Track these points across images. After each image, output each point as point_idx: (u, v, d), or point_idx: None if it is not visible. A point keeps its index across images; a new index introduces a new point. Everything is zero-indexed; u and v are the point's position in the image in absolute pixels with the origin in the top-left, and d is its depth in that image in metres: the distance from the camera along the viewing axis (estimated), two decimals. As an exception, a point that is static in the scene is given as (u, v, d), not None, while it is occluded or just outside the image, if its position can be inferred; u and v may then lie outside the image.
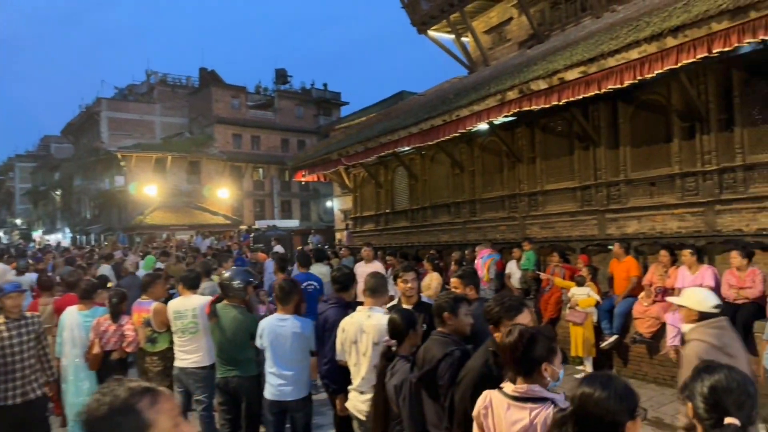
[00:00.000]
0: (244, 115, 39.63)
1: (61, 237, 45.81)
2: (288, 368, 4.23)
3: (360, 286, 7.15)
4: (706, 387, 1.67)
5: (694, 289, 3.36)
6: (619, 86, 7.04)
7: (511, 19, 13.93)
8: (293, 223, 37.14)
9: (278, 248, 16.03)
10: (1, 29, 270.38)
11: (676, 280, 6.98)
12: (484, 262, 8.90)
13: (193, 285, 5.24)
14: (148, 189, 33.63)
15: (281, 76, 44.16)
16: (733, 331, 3.05)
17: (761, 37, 5.50)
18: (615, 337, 7.43)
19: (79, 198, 43.63)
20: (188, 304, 5.09)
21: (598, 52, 7.10)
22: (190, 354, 5.07)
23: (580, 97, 7.56)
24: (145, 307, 5.38)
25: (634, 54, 6.72)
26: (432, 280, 9.25)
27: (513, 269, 9.63)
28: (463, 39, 15.47)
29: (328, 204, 37.16)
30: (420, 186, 13.26)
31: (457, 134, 10.09)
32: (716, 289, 6.58)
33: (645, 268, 7.94)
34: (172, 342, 5.21)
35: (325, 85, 44.45)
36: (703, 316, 3.00)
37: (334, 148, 13.84)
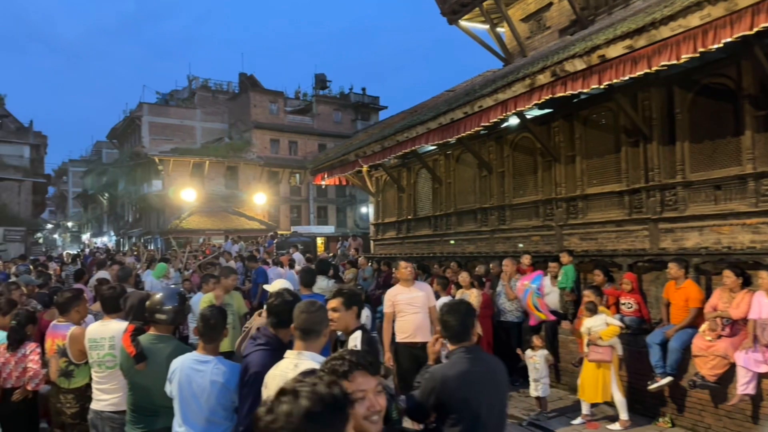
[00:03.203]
0: (282, 120, 39.15)
1: (107, 240, 46.76)
2: (203, 430, 3.08)
3: (410, 319, 5.53)
4: None
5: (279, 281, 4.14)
6: (675, 62, 5.60)
7: (551, 4, 12.44)
8: (329, 229, 36.36)
9: (296, 256, 15.01)
10: (63, 41, 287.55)
11: (751, 309, 5.42)
12: (527, 293, 7.25)
13: (114, 306, 4.13)
14: (186, 193, 33.51)
15: (320, 81, 43.52)
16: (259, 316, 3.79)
17: None
18: (669, 378, 5.90)
19: (123, 202, 44.28)
20: (105, 331, 3.99)
21: (649, 20, 5.67)
22: (107, 394, 3.95)
23: (626, 78, 6.15)
24: (60, 332, 4.32)
25: (694, 20, 5.28)
26: (471, 299, 7.73)
27: (548, 287, 8.17)
28: (499, 29, 14.06)
29: (363, 210, 36.13)
30: (444, 190, 11.95)
31: (481, 128, 8.81)
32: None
33: (709, 292, 6.38)
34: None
35: (363, 89, 43.56)
36: None
37: (351, 149, 12.72)
